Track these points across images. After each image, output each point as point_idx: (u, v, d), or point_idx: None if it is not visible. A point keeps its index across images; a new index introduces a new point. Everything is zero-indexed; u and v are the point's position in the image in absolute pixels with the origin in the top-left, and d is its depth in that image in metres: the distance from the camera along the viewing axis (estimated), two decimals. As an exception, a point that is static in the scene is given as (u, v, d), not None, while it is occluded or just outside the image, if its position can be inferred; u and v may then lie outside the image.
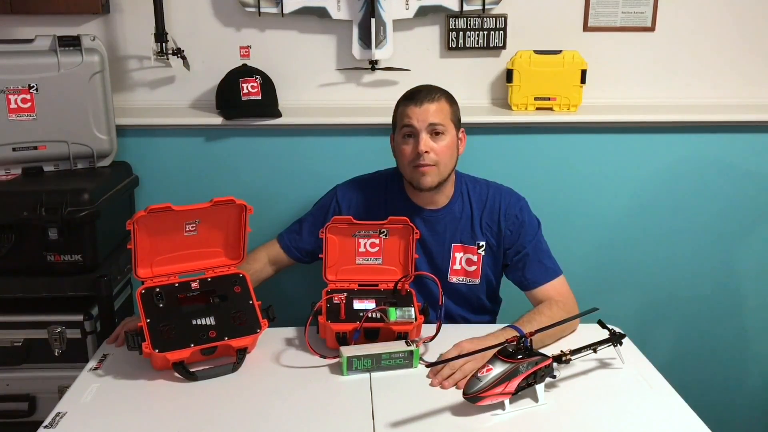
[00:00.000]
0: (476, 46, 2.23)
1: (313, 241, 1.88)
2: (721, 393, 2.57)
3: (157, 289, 1.58)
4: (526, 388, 1.42)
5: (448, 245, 1.87)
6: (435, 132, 1.74)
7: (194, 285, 1.63)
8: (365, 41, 2.16)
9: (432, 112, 1.74)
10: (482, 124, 2.17)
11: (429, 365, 1.52)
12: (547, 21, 2.24)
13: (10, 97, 1.91)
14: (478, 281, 1.88)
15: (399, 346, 1.56)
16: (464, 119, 1.85)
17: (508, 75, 2.21)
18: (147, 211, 1.51)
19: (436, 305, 1.71)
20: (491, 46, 2.24)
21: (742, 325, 2.54)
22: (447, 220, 1.87)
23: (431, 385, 1.50)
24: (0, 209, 1.82)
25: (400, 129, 1.78)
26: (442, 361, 1.51)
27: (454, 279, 1.88)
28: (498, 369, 1.38)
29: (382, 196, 1.91)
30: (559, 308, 1.73)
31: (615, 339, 1.60)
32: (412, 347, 1.55)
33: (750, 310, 2.52)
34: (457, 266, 1.87)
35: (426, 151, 1.73)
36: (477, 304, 1.92)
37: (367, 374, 1.54)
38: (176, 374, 1.51)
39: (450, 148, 1.77)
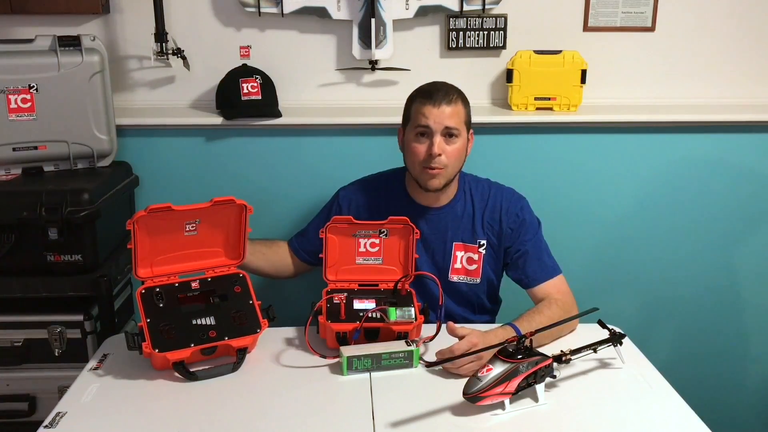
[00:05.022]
0: (476, 46, 2.23)
1: (319, 244, 1.88)
2: (721, 393, 2.57)
3: (157, 289, 1.58)
4: (526, 388, 1.42)
5: (449, 244, 1.87)
6: (449, 134, 1.74)
7: (194, 285, 1.63)
8: (365, 41, 2.16)
9: (448, 114, 1.73)
10: (482, 124, 2.17)
11: (429, 365, 1.53)
12: (547, 21, 2.24)
13: (10, 97, 1.91)
14: (478, 280, 1.88)
15: (399, 346, 1.56)
16: (464, 119, 1.85)
17: (508, 75, 2.21)
18: (147, 211, 1.52)
19: (437, 305, 1.71)
20: (491, 46, 2.24)
21: (742, 325, 2.54)
22: (449, 219, 1.87)
23: (444, 366, 1.52)
24: (0, 209, 1.82)
25: (413, 126, 1.77)
26: (443, 361, 1.50)
27: (455, 278, 1.88)
28: (498, 369, 1.38)
29: (384, 196, 1.91)
30: (559, 307, 1.73)
31: (615, 339, 1.60)
32: (412, 347, 1.55)
33: (750, 310, 2.52)
34: (458, 265, 1.88)
35: (439, 154, 1.73)
36: (477, 304, 1.93)
37: (367, 374, 1.54)
38: (176, 374, 1.51)
39: (460, 150, 1.78)
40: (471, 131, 1.84)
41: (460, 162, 1.80)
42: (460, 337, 1.53)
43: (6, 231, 1.82)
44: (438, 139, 1.73)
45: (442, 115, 1.72)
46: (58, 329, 1.87)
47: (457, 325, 1.57)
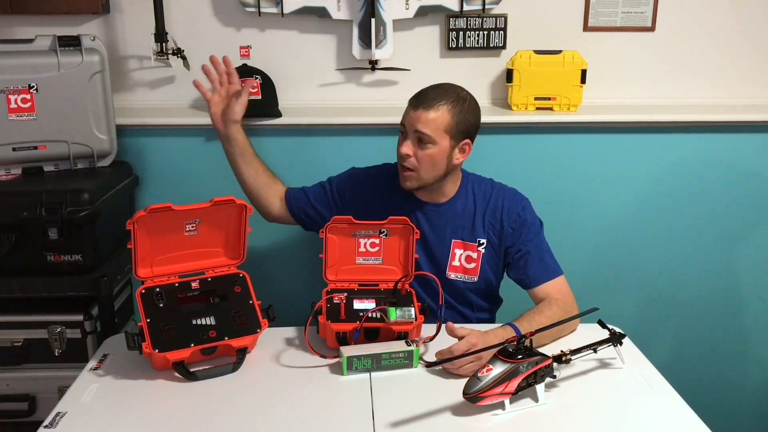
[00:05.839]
0: (476, 46, 2.23)
1: (311, 205, 1.95)
2: (721, 393, 2.57)
3: (157, 289, 1.58)
4: (526, 388, 1.42)
5: (448, 241, 1.87)
6: (419, 140, 1.74)
7: (194, 285, 1.63)
8: (365, 41, 2.16)
9: (423, 120, 1.72)
10: (482, 124, 2.16)
11: (429, 365, 1.53)
12: (547, 21, 2.24)
13: (10, 97, 1.92)
14: (476, 279, 1.89)
15: (399, 346, 1.56)
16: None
17: (508, 75, 2.21)
18: (147, 211, 1.52)
19: (437, 304, 1.71)
20: (491, 46, 2.24)
21: (742, 325, 2.54)
22: (448, 216, 1.87)
23: (444, 367, 1.52)
24: (0, 209, 1.82)
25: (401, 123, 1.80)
26: (443, 361, 1.50)
27: (452, 275, 1.89)
28: (498, 369, 1.38)
29: (388, 188, 1.92)
30: (559, 308, 1.73)
31: (615, 339, 1.60)
32: (412, 347, 1.55)
33: (750, 310, 2.52)
34: (456, 262, 1.88)
35: (407, 155, 1.74)
36: (475, 302, 1.93)
37: (367, 374, 1.54)
38: (176, 374, 1.51)
39: (433, 157, 1.76)
40: (466, 141, 1.80)
41: (434, 169, 1.77)
42: (460, 338, 1.54)
43: (6, 231, 1.82)
44: (408, 141, 1.75)
45: (415, 119, 1.73)
46: (58, 329, 1.87)
47: (457, 325, 1.57)
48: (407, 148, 1.75)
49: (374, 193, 1.92)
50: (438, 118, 1.73)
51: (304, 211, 1.96)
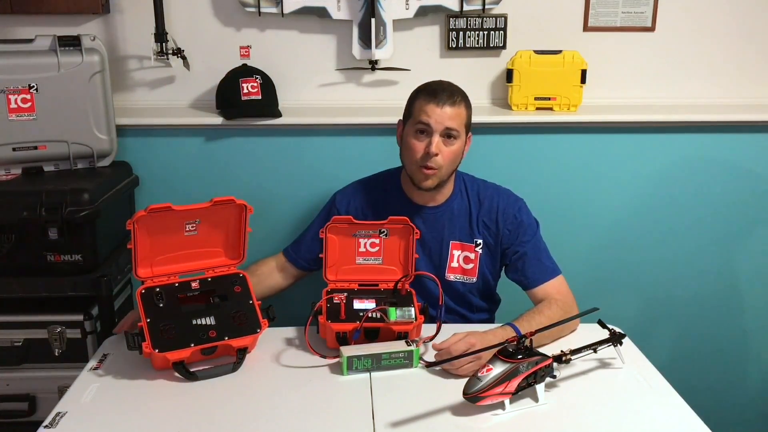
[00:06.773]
0: (476, 46, 2.23)
1: (316, 249, 1.87)
2: (721, 393, 2.57)
3: (157, 289, 1.58)
4: (526, 388, 1.42)
5: (446, 243, 1.87)
6: (448, 135, 1.74)
7: (194, 285, 1.63)
8: (365, 41, 2.16)
9: (450, 116, 1.72)
10: (482, 124, 2.17)
11: (429, 365, 1.53)
12: (547, 21, 2.24)
13: (10, 97, 1.91)
14: (475, 279, 1.89)
15: (399, 346, 1.56)
16: (464, 119, 1.85)
17: (508, 75, 2.21)
18: (147, 211, 1.52)
19: (436, 305, 1.71)
20: (491, 46, 2.24)
21: (742, 325, 2.54)
22: (445, 218, 1.87)
23: (444, 367, 1.52)
24: (0, 209, 1.82)
25: (414, 123, 1.76)
26: (443, 361, 1.51)
27: (451, 277, 1.89)
28: (498, 369, 1.38)
29: (380, 196, 1.91)
30: (558, 307, 1.73)
31: (615, 339, 1.60)
32: (412, 347, 1.55)
33: (750, 310, 2.52)
34: (454, 264, 1.88)
35: (436, 154, 1.73)
36: (474, 303, 1.93)
37: (367, 374, 1.54)
38: (176, 374, 1.51)
39: (456, 153, 1.77)
40: (470, 134, 1.83)
41: (454, 164, 1.80)
42: (440, 350, 1.54)
43: (6, 231, 1.82)
44: (437, 139, 1.73)
45: (443, 115, 1.72)
46: (58, 329, 1.87)
47: (453, 333, 1.58)
48: (437, 146, 1.72)
49: (372, 205, 1.91)
50: (461, 112, 1.75)
51: (307, 257, 1.93)
